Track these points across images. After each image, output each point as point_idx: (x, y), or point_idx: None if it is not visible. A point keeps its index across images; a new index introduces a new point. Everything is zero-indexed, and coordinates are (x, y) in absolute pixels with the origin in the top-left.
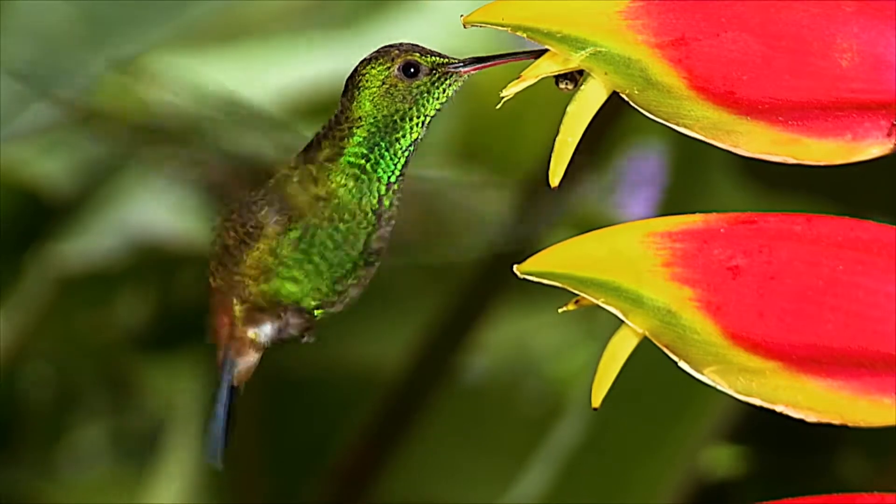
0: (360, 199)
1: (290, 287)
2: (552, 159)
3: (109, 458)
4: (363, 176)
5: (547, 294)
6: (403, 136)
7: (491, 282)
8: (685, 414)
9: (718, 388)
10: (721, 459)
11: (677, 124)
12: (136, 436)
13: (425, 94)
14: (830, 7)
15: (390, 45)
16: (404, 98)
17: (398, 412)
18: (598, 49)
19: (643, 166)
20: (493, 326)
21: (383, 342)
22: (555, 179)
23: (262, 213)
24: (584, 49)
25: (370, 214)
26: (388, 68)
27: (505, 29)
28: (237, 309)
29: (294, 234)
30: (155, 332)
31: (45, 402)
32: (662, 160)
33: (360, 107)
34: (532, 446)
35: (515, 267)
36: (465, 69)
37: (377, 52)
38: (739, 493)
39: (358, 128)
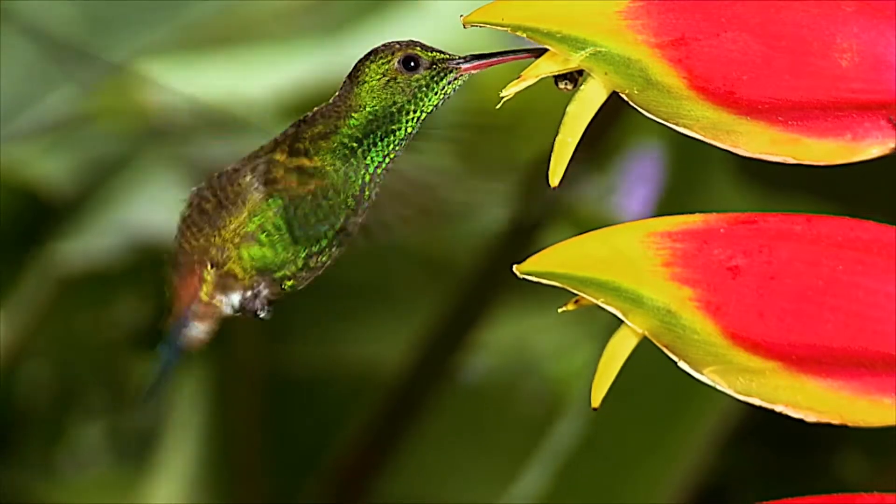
0: (345, 180)
1: (267, 255)
2: (552, 159)
3: (109, 457)
4: (352, 160)
5: (547, 294)
6: (399, 129)
7: (491, 282)
8: (685, 414)
9: (718, 388)
10: (721, 459)
11: (677, 124)
12: (135, 435)
13: (424, 89)
14: (830, 7)
15: (392, 41)
16: (403, 91)
17: (398, 412)
18: (598, 49)
19: (643, 166)
20: (492, 326)
21: (383, 342)
22: (555, 179)
23: (247, 179)
24: (584, 49)
25: (350, 198)
26: (389, 61)
27: (505, 29)
28: (209, 273)
29: (277, 203)
30: (154, 331)
31: (44, 402)
32: (662, 160)
33: (358, 96)
34: (532, 446)
35: (515, 267)
36: (466, 66)
37: (379, 46)
38: (739, 492)
39: (356, 113)
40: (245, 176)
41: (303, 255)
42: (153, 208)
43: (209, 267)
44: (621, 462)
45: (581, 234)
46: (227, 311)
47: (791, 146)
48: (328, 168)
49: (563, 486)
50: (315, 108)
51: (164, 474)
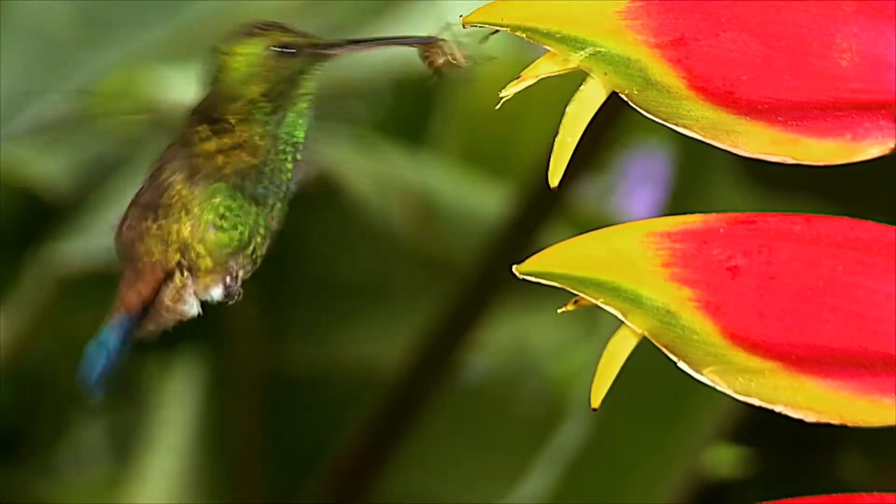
0: (272, 142)
1: (234, 236)
2: (552, 160)
3: (109, 457)
4: (268, 125)
5: (547, 294)
6: (283, 111)
7: (491, 282)
8: (685, 414)
9: (718, 388)
10: (721, 459)
11: (677, 124)
12: (134, 435)
13: (298, 74)
14: (830, 7)
15: (253, 24)
16: (279, 75)
17: (398, 412)
18: (598, 49)
19: (643, 166)
20: (492, 326)
21: (383, 342)
22: (554, 179)
23: (179, 185)
24: (583, 49)
25: (283, 153)
26: (260, 48)
27: (504, 29)
28: (182, 279)
29: (220, 188)
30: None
31: (44, 402)
32: (662, 160)
33: (234, 83)
34: (532, 446)
35: (515, 267)
36: (338, 51)
37: (242, 30)
38: (739, 492)
39: (238, 101)
40: (175, 183)
41: (262, 221)
42: None
43: (182, 274)
44: (622, 462)
45: (581, 234)
46: (194, 311)
47: (791, 146)
48: (249, 135)
49: (564, 487)
50: (201, 98)
51: (162, 474)
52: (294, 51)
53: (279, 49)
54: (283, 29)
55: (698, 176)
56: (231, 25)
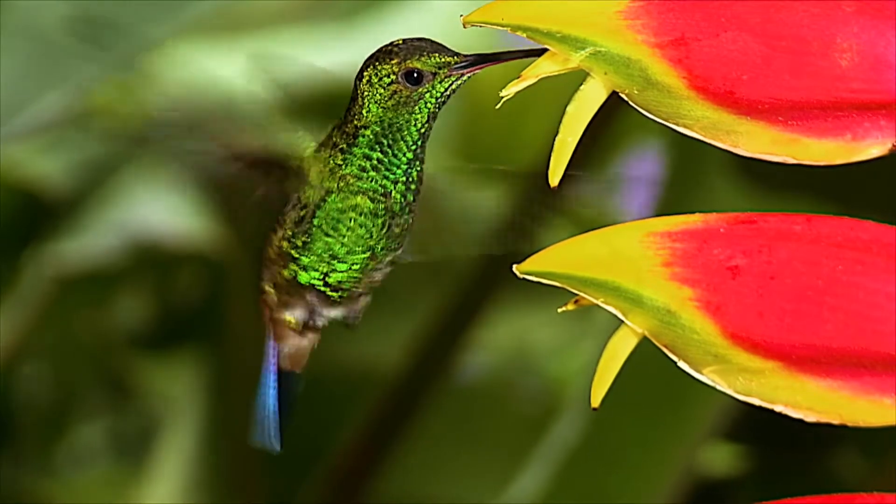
0: (369, 192)
1: (301, 272)
2: (552, 159)
3: (108, 457)
4: (371, 172)
5: (546, 293)
6: (407, 134)
7: (490, 281)
8: (682, 412)
9: (718, 387)
10: (719, 458)
11: (677, 124)
12: (134, 435)
13: (426, 96)
14: (830, 7)
15: (394, 46)
16: (407, 102)
17: (396, 411)
18: (598, 49)
19: (642, 166)
20: (491, 325)
21: (381, 341)
22: (554, 179)
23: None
24: (583, 49)
25: (380, 206)
26: (393, 75)
27: (505, 29)
28: (270, 292)
29: (299, 215)
30: (153, 331)
31: (43, 402)
32: (662, 160)
33: (367, 110)
34: (530, 445)
35: (515, 266)
36: (468, 70)
37: (381, 52)
38: (737, 491)
39: (365, 128)
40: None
41: (345, 266)
42: (152, 208)
43: (269, 286)
44: (619, 461)
45: (581, 234)
46: (303, 323)
47: (791, 146)
48: (349, 179)
49: (561, 485)
50: (332, 126)
51: (163, 474)
52: (421, 76)
53: (406, 75)
54: (418, 51)
55: (698, 176)
56: (233, 22)
